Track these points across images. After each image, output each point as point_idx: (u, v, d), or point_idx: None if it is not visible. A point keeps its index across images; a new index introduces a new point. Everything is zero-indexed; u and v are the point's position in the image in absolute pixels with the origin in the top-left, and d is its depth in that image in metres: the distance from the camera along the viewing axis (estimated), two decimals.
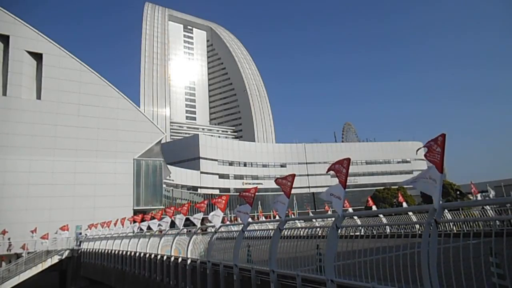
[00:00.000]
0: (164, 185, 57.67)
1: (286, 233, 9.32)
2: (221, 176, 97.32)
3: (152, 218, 22.11)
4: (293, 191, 9.89)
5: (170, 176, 69.96)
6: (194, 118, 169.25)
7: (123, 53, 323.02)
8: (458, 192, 52.37)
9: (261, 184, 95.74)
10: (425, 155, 6.09)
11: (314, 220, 25.59)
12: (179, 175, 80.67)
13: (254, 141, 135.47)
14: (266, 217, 53.67)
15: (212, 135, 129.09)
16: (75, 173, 47.19)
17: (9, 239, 38.70)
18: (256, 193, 11.76)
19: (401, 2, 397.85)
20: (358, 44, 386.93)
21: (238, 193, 12.16)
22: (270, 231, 10.42)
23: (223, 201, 13.48)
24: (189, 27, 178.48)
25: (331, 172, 7.91)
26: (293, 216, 47.75)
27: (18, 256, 37.16)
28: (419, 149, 6.95)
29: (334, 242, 7.23)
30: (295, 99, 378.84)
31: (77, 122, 48.87)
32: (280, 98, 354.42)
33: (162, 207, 52.31)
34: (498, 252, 5.04)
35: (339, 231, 7.48)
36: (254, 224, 14.56)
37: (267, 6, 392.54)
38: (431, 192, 5.97)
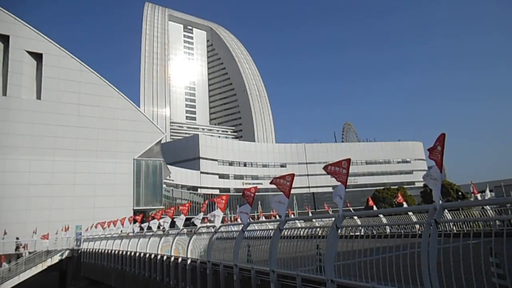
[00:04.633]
0: (164, 185, 57.67)
1: (286, 233, 9.31)
2: (221, 176, 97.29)
3: (153, 218, 22.13)
4: (293, 191, 9.88)
5: (170, 176, 69.96)
6: (194, 118, 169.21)
7: (123, 53, 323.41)
8: (460, 193, 52.26)
9: (261, 184, 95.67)
10: (429, 154, 6.10)
11: (314, 220, 25.59)
12: (179, 175, 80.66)
13: (254, 141, 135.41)
14: (266, 217, 53.69)
15: (212, 135, 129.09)
16: (75, 173, 47.19)
17: (17, 238, 38.71)
18: (256, 193, 11.76)
19: (401, 2, 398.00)
20: (358, 44, 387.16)
21: (238, 193, 12.15)
22: (270, 231, 10.41)
23: (223, 201, 13.48)
24: (189, 27, 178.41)
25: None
26: (293, 216, 47.78)
27: (18, 256, 37.17)
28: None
29: (334, 242, 7.22)
30: (295, 99, 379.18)
31: (77, 122, 48.84)
32: (280, 98, 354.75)
33: (162, 207, 52.31)
34: (498, 252, 5.04)
35: (339, 231, 7.48)
36: (254, 224, 14.56)
37: (267, 6, 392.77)
38: (434, 190, 6.02)
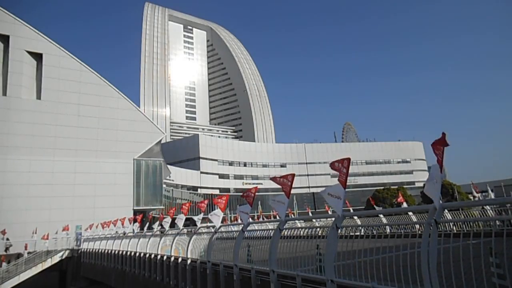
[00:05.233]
0: (164, 185, 57.64)
1: (286, 233, 9.31)
2: (221, 176, 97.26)
3: (154, 218, 22.16)
4: (293, 191, 9.88)
5: (170, 176, 69.94)
6: (194, 118, 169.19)
7: (123, 53, 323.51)
8: (451, 192, 52.26)
9: (261, 184, 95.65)
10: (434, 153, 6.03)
11: (314, 220, 25.59)
12: (179, 175, 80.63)
13: (254, 141, 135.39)
14: (266, 217, 53.67)
15: (212, 135, 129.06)
16: (75, 173, 47.18)
17: (7, 239, 38.61)
18: (256, 193, 11.76)
19: (401, 2, 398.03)
20: (358, 44, 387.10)
21: (238, 193, 12.15)
22: (270, 231, 10.41)
23: (223, 201, 13.48)
24: (189, 27, 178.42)
25: (331, 172, 7.93)
26: (293, 216, 47.78)
27: (18, 256, 37.17)
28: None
29: (334, 242, 7.22)
30: (295, 99, 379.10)
31: (77, 122, 48.84)
32: (280, 98, 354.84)
33: (162, 207, 52.31)
34: (498, 252, 5.04)
35: (339, 231, 7.47)
36: (254, 224, 14.56)
37: (267, 6, 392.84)
38: (433, 193, 5.99)
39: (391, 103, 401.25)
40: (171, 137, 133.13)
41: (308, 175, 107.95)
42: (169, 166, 66.55)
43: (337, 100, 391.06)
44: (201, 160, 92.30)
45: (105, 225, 32.94)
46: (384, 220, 23.69)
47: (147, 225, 25.27)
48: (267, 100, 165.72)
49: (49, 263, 36.34)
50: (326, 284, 7.06)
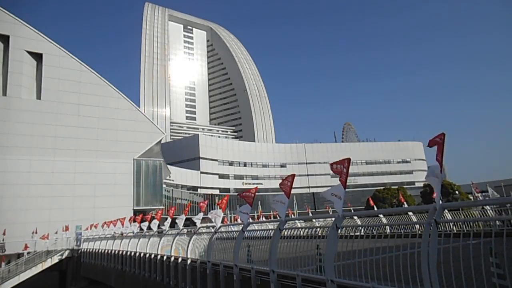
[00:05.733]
0: (164, 185, 57.65)
1: (286, 233, 9.31)
2: (221, 176, 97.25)
3: (153, 218, 22.14)
4: (293, 191, 9.88)
5: (170, 176, 69.95)
6: (194, 118, 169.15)
7: (123, 53, 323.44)
8: (457, 192, 52.32)
9: (261, 184, 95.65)
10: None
11: (314, 220, 25.58)
12: (179, 175, 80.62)
13: (254, 141, 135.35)
14: (266, 217, 53.68)
15: (212, 135, 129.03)
16: (75, 173, 47.18)
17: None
18: (256, 193, 11.76)
19: (401, 2, 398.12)
20: (358, 44, 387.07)
21: (238, 193, 12.19)
22: (270, 231, 10.41)
23: (224, 201, 13.50)
24: (189, 27, 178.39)
25: (331, 172, 7.92)
26: (293, 216, 47.77)
27: (18, 256, 37.18)
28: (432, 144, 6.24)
29: (334, 242, 7.23)
30: (295, 99, 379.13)
31: (77, 122, 48.85)
32: (280, 98, 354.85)
33: (162, 207, 52.29)
34: (498, 252, 5.04)
35: (339, 231, 7.47)
36: (254, 224, 14.56)
37: (267, 6, 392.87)
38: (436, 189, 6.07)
39: (391, 103, 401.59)
40: (171, 137, 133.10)
41: (308, 175, 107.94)
42: (169, 166, 66.56)
43: (337, 100, 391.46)
44: (201, 160, 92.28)
45: (105, 225, 32.94)
46: (384, 220, 23.70)
47: (145, 223, 25.20)
48: (267, 100, 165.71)
49: (49, 263, 36.35)
50: (326, 284, 7.06)
